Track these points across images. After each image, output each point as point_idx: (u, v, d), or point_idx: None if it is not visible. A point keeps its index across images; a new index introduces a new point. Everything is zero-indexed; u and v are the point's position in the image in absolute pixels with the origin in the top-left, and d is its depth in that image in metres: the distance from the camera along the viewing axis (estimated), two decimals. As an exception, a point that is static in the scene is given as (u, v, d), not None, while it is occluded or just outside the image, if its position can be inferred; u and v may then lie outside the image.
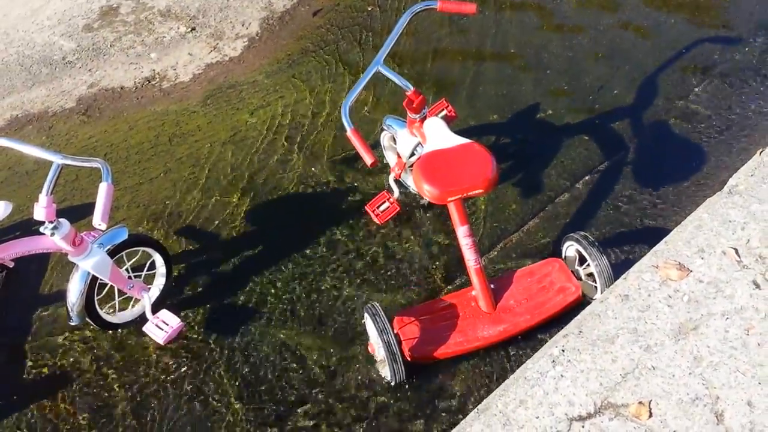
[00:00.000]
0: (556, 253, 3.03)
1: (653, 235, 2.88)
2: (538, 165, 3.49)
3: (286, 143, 3.73)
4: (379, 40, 4.33)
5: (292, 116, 3.90)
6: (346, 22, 4.55)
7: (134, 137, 3.84)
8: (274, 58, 4.34)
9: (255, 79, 4.18)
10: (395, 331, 2.63)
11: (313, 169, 3.57)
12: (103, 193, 2.32)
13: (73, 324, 2.77)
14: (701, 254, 2.59)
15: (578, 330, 2.40)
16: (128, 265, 2.92)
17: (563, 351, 2.34)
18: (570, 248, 2.90)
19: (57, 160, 2.44)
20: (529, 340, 2.78)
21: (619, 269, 2.67)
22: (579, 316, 2.48)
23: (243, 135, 3.82)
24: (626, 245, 3.10)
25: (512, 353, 2.77)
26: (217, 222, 3.37)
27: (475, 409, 2.27)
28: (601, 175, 3.42)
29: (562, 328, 2.53)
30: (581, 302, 2.77)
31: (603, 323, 2.41)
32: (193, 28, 4.63)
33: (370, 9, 4.63)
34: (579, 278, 2.87)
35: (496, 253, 3.14)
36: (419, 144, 2.93)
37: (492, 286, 2.79)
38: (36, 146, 2.49)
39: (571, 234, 2.85)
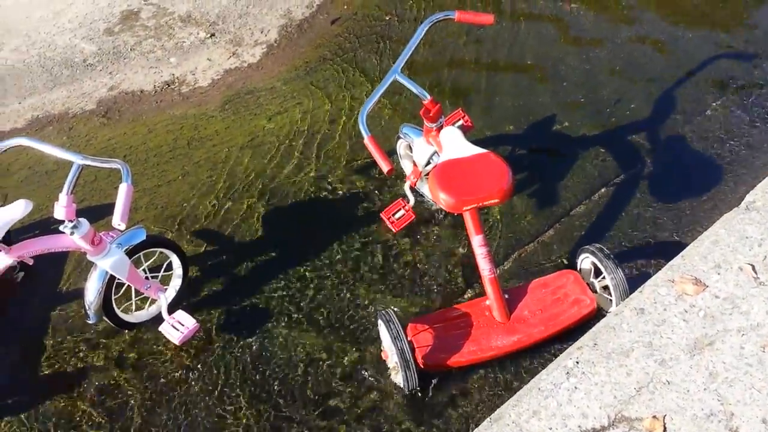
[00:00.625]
0: (571, 265, 3.03)
1: (669, 250, 2.88)
2: (554, 177, 3.50)
3: (302, 149, 3.75)
4: (397, 48, 4.36)
5: (310, 123, 3.92)
6: (364, 30, 4.58)
7: (153, 140, 3.88)
8: (292, 65, 4.37)
9: (273, 86, 4.21)
10: (409, 339, 2.63)
11: (329, 175, 3.59)
12: (122, 193, 2.34)
13: (90, 322, 2.80)
14: (718, 270, 2.59)
15: (593, 342, 2.39)
16: (145, 265, 2.95)
17: (577, 363, 2.33)
18: (585, 260, 2.90)
19: (77, 160, 2.47)
20: (543, 350, 2.78)
21: (634, 283, 2.67)
22: (594, 329, 2.48)
23: (260, 140, 3.84)
24: (642, 259, 3.09)
25: (525, 363, 2.76)
26: (233, 225, 3.39)
27: (488, 419, 2.28)
28: (618, 188, 3.42)
29: (576, 340, 2.54)
30: (596, 315, 2.76)
31: (618, 336, 2.41)
32: (213, 34, 4.67)
33: (387, 18, 4.66)
34: (594, 291, 2.86)
35: (510, 263, 3.15)
36: (435, 153, 2.94)
37: (506, 296, 2.80)
38: (57, 147, 2.53)
39: (587, 246, 2.85)
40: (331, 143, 3.78)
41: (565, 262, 3.12)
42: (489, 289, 2.74)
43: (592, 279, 2.89)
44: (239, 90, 4.20)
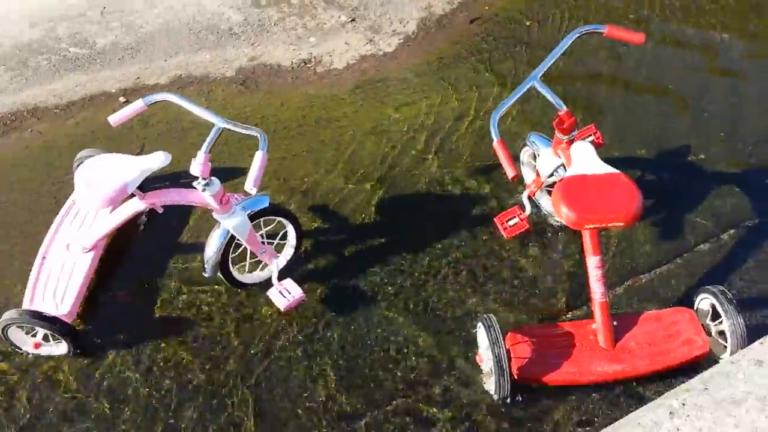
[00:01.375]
0: (688, 303, 2.89)
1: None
2: (681, 209, 3.36)
3: (425, 143, 3.78)
4: (534, 54, 4.30)
5: (435, 118, 3.94)
6: (503, 33, 4.54)
7: (284, 114, 4.00)
8: (426, 59, 4.39)
9: (404, 77, 4.25)
10: (507, 347, 2.61)
11: (447, 172, 3.60)
12: (258, 160, 2.44)
13: (206, 276, 2.93)
14: None
15: (703, 386, 2.29)
16: (263, 231, 3.06)
17: (683, 405, 2.24)
18: (704, 301, 2.77)
19: (219, 123, 2.58)
20: (645, 384, 2.68)
21: (753, 332, 2.53)
22: (706, 373, 2.37)
23: (385, 128, 3.89)
24: (764, 308, 2.93)
25: (624, 395, 2.67)
26: (349, 206, 3.46)
27: (580, 443, 2.22)
28: (749, 231, 3.25)
29: (681, 381, 2.44)
30: (705, 359, 2.65)
31: (731, 385, 2.29)
32: (353, 19, 4.75)
33: (528, 24, 4.60)
34: (708, 333, 2.73)
35: (621, 290, 3.06)
36: (561, 165, 2.89)
37: (614, 322, 2.71)
38: (201, 107, 2.65)
39: (708, 287, 2.73)
40: (454, 141, 3.78)
41: (681, 299, 2.98)
42: (598, 312, 2.67)
43: (708, 321, 2.76)
44: (371, 77, 4.26)
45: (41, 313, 2.77)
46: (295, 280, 2.97)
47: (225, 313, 3.06)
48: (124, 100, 4.11)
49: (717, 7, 4.67)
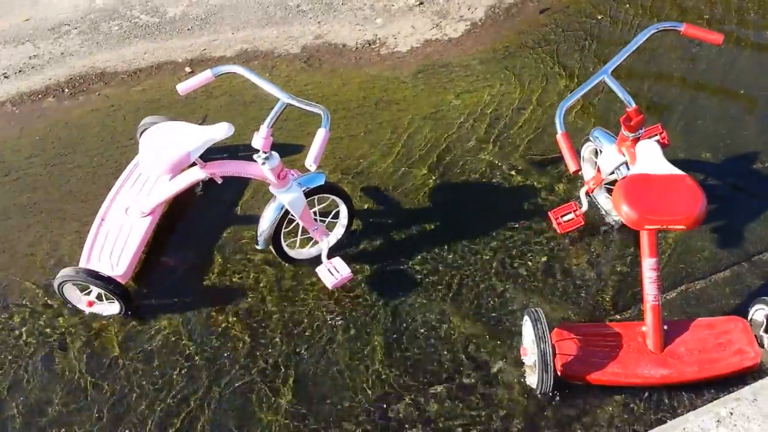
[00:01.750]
0: (742, 312, 2.81)
1: None
2: (744, 216, 3.25)
3: (483, 131, 3.74)
4: (603, 49, 4.21)
5: (496, 107, 3.89)
6: (572, 25, 4.45)
7: (345, 94, 4.02)
8: (492, 47, 4.34)
9: (468, 63, 4.21)
10: (552, 342, 2.58)
11: (504, 162, 3.56)
12: (320, 138, 2.46)
13: (258, 248, 2.98)
14: None
15: (753, 397, 2.23)
16: (317, 208, 3.10)
17: (731, 414, 2.19)
18: (759, 312, 2.69)
19: (284, 98, 2.61)
20: (693, 391, 2.63)
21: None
22: (757, 384, 2.32)
23: (444, 114, 3.87)
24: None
25: (670, 399, 2.63)
26: (401, 190, 3.46)
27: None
28: (813, 244, 3.14)
29: (730, 390, 2.38)
30: (756, 371, 2.57)
31: (783, 399, 2.23)
32: (422, 2, 4.72)
33: (600, 18, 4.49)
34: (761, 345, 2.65)
35: (675, 295, 2.98)
36: (624, 163, 2.82)
37: (665, 327, 2.66)
38: (268, 81, 2.68)
39: (764, 297, 2.65)
40: (514, 131, 3.73)
41: (736, 308, 2.90)
42: (649, 315, 2.61)
43: (761, 332, 2.67)
44: (434, 61, 4.24)
45: (97, 272, 2.85)
46: (344, 259, 2.99)
47: (273, 286, 3.10)
48: (190, 70, 4.19)
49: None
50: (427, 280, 3.09)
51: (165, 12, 4.62)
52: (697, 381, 2.60)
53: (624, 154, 2.81)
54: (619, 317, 2.92)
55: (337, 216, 3.17)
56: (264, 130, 2.60)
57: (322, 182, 2.89)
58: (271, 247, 2.98)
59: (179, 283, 3.16)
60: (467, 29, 4.50)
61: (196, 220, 3.42)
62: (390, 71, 4.18)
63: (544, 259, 3.14)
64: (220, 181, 2.94)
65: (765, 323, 2.67)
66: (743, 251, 3.12)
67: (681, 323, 2.72)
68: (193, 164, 2.85)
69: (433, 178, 3.51)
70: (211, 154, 3.23)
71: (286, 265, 3.15)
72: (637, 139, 2.75)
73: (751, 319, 2.73)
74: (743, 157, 3.54)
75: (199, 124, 3.66)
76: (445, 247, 3.21)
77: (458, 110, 3.89)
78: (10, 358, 2.91)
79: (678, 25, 2.69)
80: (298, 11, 4.65)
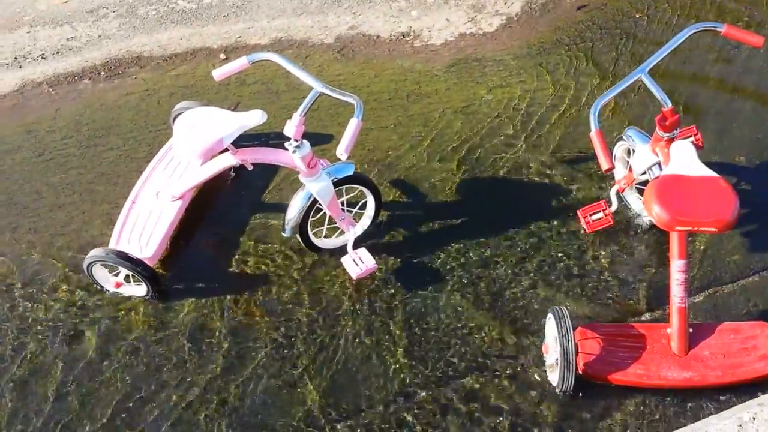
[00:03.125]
0: (770, 319, 2.78)
1: None
2: (775, 222, 3.21)
3: (514, 127, 3.72)
4: (639, 48, 4.16)
5: (528, 103, 3.87)
6: (609, 24, 4.40)
7: (376, 85, 4.03)
8: (526, 42, 4.31)
9: (502, 58, 4.19)
10: (575, 341, 2.57)
11: (534, 159, 3.54)
12: (352, 127, 2.48)
13: (284, 236, 3.01)
14: None
15: (777, 404, 2.21)
16: (344, 198, 3.11)
17: (754, 419, 2.17)
18: (787, 318, 2.65)
19: (318, 87, 2.62)
20: (716, 395, 2.60)
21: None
22: (782, 391, 2.28)
23: (475, 109, 3.86)
24: None
25: (692, 402, 2.60)
26: (430, 184, 3.47)
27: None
28: None
29: (756, 395, 2.35)
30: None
31: (808, 407, 2.20)
32: (457, -4, 4.70)
33: (638, 16, 4.44)
34: (788, 352, 2.62)
35: (702, 298, 2.95)
36: (657, 164, 2.80)
37: (690, 330, 2.63)
38: (303, 70, 2.69)
39: None
40: (545, 128, 3.71)
41: (763, 314, 2.86)
42: (675, 317, 2.59)
43: (789, 340, 2.64)
44: (468, 55, 4.22)
45: (126, 254, 2.90)
46: (369, 251, 3.01)
47: (298, 274, 3.13)
48: (225, 57, 4.23)
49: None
50: (450, 273, 3.10)
51: (202, -2, 4.67)
52: (721, 386, 2.58)
53: (657, 154, 2.79)
54: (644, 318, 2.89)
55: (364, 207, 3.18)
56: (297, 118, 2.61)
57: (352, 172, 2.90)
58: (297, 236, 3.00)
59: (206, 268, 3.20)
60: (502, 24, 4.48)
61: (225, 206, 3.45)
62: (423, 64, 4.17)
63: (570, 257, 3.13)
64: (250, 168, 2.95)
65: (792, 330, 2.64)
66: (774, 257, 3.08)
67: (706, 326, 2.70)
68: (225, 150, 2.87)
69: (462, 172, 3.51)
70: (242, 141, 3.27)
71: (312, 253, 3.17)
72: (671, 140, 2.72)
73: (778, 326, 2.70)
74: (779, 163, 3.49)
75: (232, 110, 3.70)
76: (471, 242, 3.21)
77: (490, 105, 3.87)
78: (39, 337, 2.97)
79: (719, 26, 2.65)
80: (333, 1, 4.65)
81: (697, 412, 2.56)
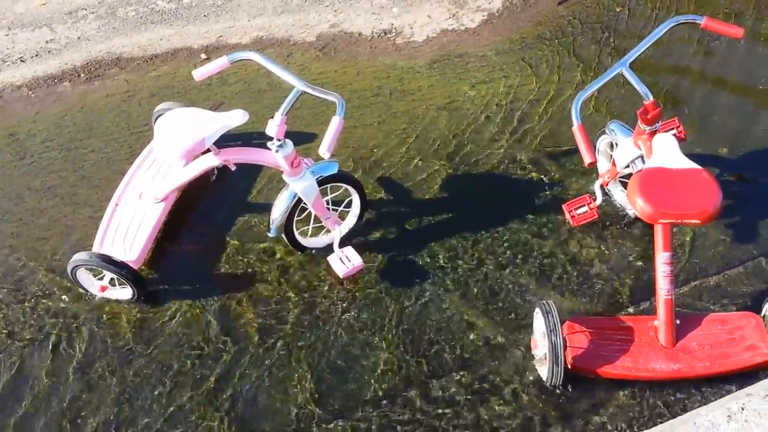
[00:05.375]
0: (756, 308, 2.79)
1: None
2: (760, 212, 3.23)
3: (498, 123, 3.72)
4: (620, 42, 4.17)
5: (512, 98, 3.87)
6: (590, 18, 4.41)
7: (359, 83, 4.01)
8: (508, 38, 4.31)
9: (484, 54, 4.19)
10: (563, 335, 2.57)
11: (518, 154, 3.55)
12: (334, 126, 2.46)
13: (270, 236, 2.99)
14: None
15: (765, 393, 2.22)
16: (329, 197, 3.10)
17: (742, 409, 2.18)
18: (773, 308, 2.67)
19: (299, 86, 2.60)
20: (704, 386, 2.62)
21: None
22: (768, 380, 2.30)
23: (459, 105, 3.85)
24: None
25: (680, 394, 2.62)
26: (415, 181, 3.46)
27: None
28: (829, 240, 3.11)
29: (744, 385, 2.36)
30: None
31: (794, 395, 2.21)
32: (439, -8, 4.69)
33: (618, 10, 4.45)
34: (774, 342, 2.64)
35: (687, 289, 2.96)
36: (640, 157, 2.81)
37: (678, 321, 2.64)
38: (284, 68, 2.67)
39: None
40: (529, 123, 3.71)
41: (749, 304, 2.88)
42: (662, 309, 2.60)
43: (775, 329, 2.66)
44: (450, 51, 4.22)
45: (110, 257, 2.87)
46: (356, 249, 3.00)
47: (284, 274, 3.11)
48: (206, 56, 4.20)
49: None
50: (438, 269, 3.09)
51: (182, -2, 4.63)
52: (709, 376, 2.59)
53: (640, 148, 2.80)
54: (632, 311, 2.90)
55: (349, 205, 3.17)
56: (279, 117, 2.59)
57: (336, 171, 2.89)
58: (283, 235, 2.99)
59: (192, 270, 3.18)
60: (484, 19, 4.47)
61: (209, 207, 3.43)
62: (405, 61, 4.16)
63: (557, 251, 3.13)
64: (233, 168, 2.93)
65: (779, 320, 2.66)
66: (758, 247, 3.10)
67: (693, 318, 2.71)
68: (208, 150, 2.85)
69: (447, 169, 3.50)
70: (225, 141, 3.24)
71: (298, 253, 3.16)
72: (653, 133, 2.73)
73: (764, 315, 2.71)
74: (760, 153, 3.51)
75: (214, 110, 3.68)
76: (456, 239, 3.20)
77: (474, 101, 3.87)
78: (22, 342, 2.93)
79: (698, 18, 2.66)
80: (314, -1, 4.63)
81: (686, 403, 2.58)
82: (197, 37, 4.35)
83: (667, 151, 2.62)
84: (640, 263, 3.06)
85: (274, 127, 2.60)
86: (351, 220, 3.17)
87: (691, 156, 3.39)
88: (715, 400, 2.48)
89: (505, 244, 3.17)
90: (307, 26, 4.42)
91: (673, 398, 2.61)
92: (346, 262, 2.92)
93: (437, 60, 4.16)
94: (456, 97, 3.90)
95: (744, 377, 2.57)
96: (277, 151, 2.66)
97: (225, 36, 4.35)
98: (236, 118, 2.79)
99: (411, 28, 4.41)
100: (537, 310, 2.67)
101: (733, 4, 4.40)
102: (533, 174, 3.46)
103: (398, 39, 4.33)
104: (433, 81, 4.02)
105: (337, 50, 4.25)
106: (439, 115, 3.79)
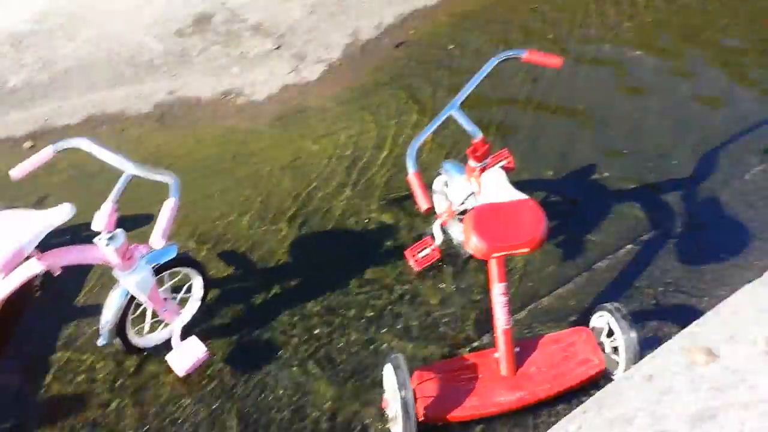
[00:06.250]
0: (587, 322, 2.93)
1: (687, 315, 2.81)
2: (583, 228, 3.43)
3: (342, 175, 3.77)
4: (452, 78, 4.35)
5: (354, 148, 3.94)
6: (426, 57, 4.58)
7: (200, 151, 3.97)
8: (348, 87, 4.40)
9: (326, 106, 4.25)
10: (413, 387, 2.56)
11: (364, 205, 3.60)
12: (167, 210, 2.30)
13: (101, 344, 2.73)
14: (732, 341, 2.48)
15: (598, 407, 2.34)
16: (168, 285, 2.90)
17: (580, 428, 2.29)
18: (600, 318, 2.81)
19: (129, 170, 2.45)
20: (550, 408, 2.73)
21: (648, 346, 2.57)
22: (600, 393, 2.42)
23: (303, 162, 3.88)
24: (658, 322, 3.01)
25: (529, 420, 2.72)
26: (262, 250, 3.39)
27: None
28: (645, 245, 3.33)
29: (584, 400, 2.49)
30: (603, 377, 2.71)
31: (623, 402, 2.34)
32: (279, 46, 4.74)
33: (451, 48, 4.64)
34: (604, 351, 2.79)
35: (524, 314, 3.09)
36: (473, 193, 2.92)
37: (517, 349, 2.74)
38: (113, 153, 2.51)
39: (605, 304, 2.77)
40: (372, 172, 3.78)
41: (581, 318, 3.03)
42: (501, 340, 2.68)
43: (604, 338, 2.80)
44: (293, 107, 4.26)
45: None
46: (200, 335, 2.85)
47: (121, 384, 2.88)
48: (31, 144, 4.02)
49: (632, 26, 4.80)
50: (287, 342, 3.01)
51: (5, 82, 4.43)
52: (551, 397, 2.69)
53: (472, 184, 2.90)
54: (477, 345, 2.98)
55: (189, 290, 2.98)
56: (108, 206, 2.40)
57: (174, 255, 2.69)
58: (117, 340, 2.75)
59: (18, 391, 2.88)
60: (325, 70, 4.56)
61: (30, 321, 3.13)
62: (247, 122, 4.17)
63: (404, 298, 3.16)
64: (57, 273, 2.69)
65: (606, 329, 2.78)
66: (584, 261, 3.28)
67: (531, 342, 2.81)
68: (29, 257, 2.68)
69: (293, 231, 3.48)
70: (51, 239, 3.04)
71: (134, 356, 2.93)
72: (484, 168, 2.84)
73: (593, 327, 2.85)
74: (582, 171, 3.74)
75: (36, 204, 3.43)
76: (307, 303, 3.15)
77: (317, 156, 3.90)
78: None
79: (520, 53, 2.80)
80: (150, 66, 4.57)
81: (535, 430, 2.68)
82: (22, 123, 4.14)
83: (494, 186, 2.73)
84: (483, 296, 3.14)
85: (102, 218, 2.41)
86: (194, 305, 2.98)
87: (520, 182, 3.61)
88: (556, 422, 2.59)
89: (354, 301, 3.16)
90: (143, 96, 4.34)
91: (522, 427, 2.70)
92: (187, 356, 2.71)
93: (280, 117, 4.19)
94: (299, 155, 3.92)
95: (583, 392, 2.67)
96: (107, 245, 2.43)
97: (52, 118, 4.18)
98: (60, 214, 2.54)
99: (252, 86, 4.43)
100: (386, 365, 2.65)
101: (558, 30, 4.68)
102: (378, 223, 3.50)
103: (239, 99, 4.34)
104: (276, 140, 4.03)
105: (176, 118, 4.20)
106: (284, 175, 3.79)
